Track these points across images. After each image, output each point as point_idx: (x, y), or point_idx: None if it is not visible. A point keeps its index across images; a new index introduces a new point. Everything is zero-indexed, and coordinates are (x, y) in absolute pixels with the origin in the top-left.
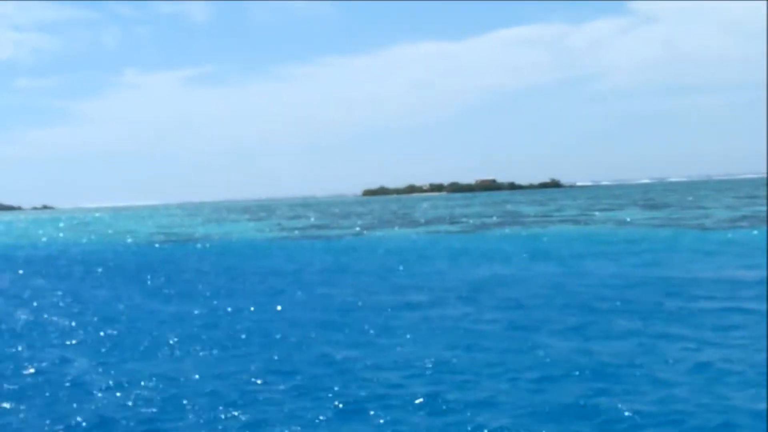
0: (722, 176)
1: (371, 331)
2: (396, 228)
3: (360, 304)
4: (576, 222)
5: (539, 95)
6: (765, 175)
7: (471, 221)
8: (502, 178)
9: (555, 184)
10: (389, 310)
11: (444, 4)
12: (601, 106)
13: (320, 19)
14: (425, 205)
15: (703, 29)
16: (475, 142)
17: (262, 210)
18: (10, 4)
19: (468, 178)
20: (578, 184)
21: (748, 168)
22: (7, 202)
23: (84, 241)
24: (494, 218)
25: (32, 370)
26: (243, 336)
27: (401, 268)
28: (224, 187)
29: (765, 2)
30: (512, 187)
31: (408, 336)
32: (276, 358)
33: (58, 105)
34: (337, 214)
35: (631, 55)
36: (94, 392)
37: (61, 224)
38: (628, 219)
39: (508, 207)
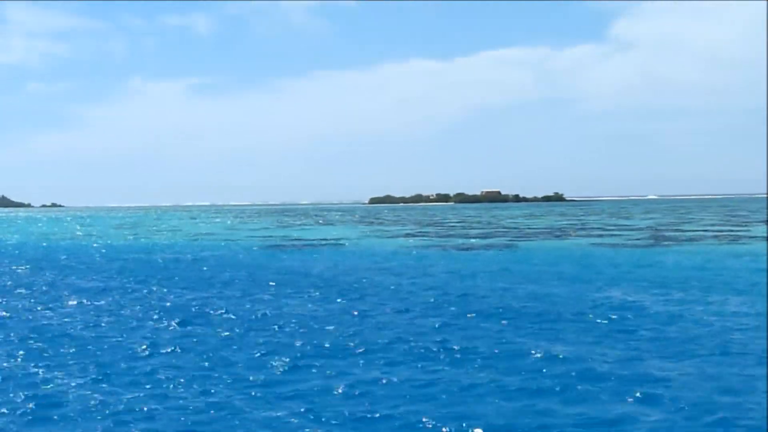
0: (699, 196)
1: None
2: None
3: None
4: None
5: (525, 114)
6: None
7: (625, 234)
8: (506, 190)
9: (558, 198)
10: None
11: (431, 27)
12: (582, 126)
13: (315, 35)
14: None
15: (679, 58)
16: (471, 154)
17: (307, 216)
18: (23, 12)
19: (473, 189)
20: (576, 198)
21: (722, 188)
22: (18, 199)
23: (201, 244)
24: (630, 232)
25: None
26: None
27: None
28: (221, 191)
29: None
30: (517, 199)
31: None
32: None
33: (66, 109)
34: (423, 222)
35: (610, 79)
36: None
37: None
38: None
39: (602, 219)
